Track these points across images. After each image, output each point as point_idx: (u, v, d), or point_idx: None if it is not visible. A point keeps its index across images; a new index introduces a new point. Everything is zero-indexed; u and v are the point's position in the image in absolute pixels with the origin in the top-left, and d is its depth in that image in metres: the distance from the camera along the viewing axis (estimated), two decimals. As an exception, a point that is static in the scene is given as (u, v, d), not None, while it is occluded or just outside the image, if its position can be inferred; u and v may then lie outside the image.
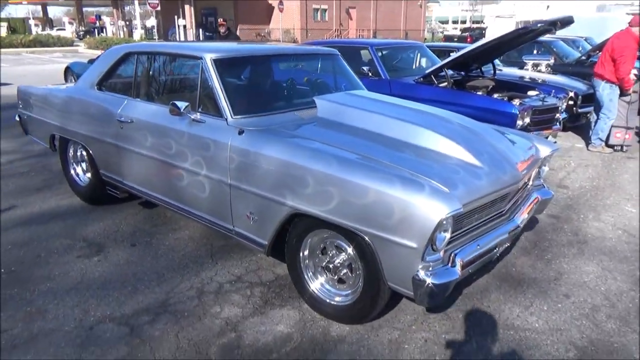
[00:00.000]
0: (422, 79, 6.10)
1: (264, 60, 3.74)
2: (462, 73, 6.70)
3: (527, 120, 5.44)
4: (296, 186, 2.57)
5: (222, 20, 10.40)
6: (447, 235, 2.30)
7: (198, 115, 3.11)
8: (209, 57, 3.13)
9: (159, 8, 28.38)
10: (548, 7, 39.99)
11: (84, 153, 4.31)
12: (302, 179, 2.55)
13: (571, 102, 7.08)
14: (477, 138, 2.95)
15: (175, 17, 33.98)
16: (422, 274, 2.25)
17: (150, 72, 3.80)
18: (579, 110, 7.27)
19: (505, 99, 5.62)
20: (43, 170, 5.44)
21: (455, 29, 56.31)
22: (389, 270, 2.37)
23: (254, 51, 3.64)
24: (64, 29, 45.01)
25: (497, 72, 7.13)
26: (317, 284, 2.82)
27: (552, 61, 9.06)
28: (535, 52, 10.32)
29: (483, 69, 6.88)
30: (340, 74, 4.07)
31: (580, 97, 7.17)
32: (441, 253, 2.33)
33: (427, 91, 5.86)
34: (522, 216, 2.98)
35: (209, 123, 3.06)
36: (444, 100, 5.64)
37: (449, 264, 2.38)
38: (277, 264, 3.38)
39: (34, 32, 36.36)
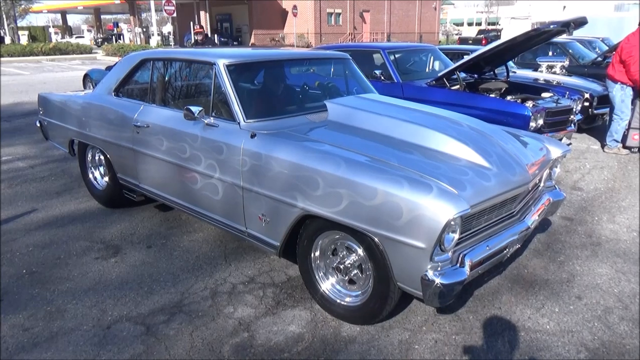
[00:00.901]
0: (434, 82, 6.11)
1: (275, 65, 3.81)
2: (475, 75, 6.70)
3: (541, 122, 5.41)
4: (306, 188, 2.62)
5: (198, 27, 9.71)
6: (456, 236, 2.32)
7: (212, 120, 3.19)
8: (221, 63, 3.22)
9: (175, 14, 28.77)
10: (565, 7, 39.55)
11: (102, 157, 4.44)
12: (312, 181, 2.59)
13: (587, 104, 7.02)
14: (486, 140, 2.97)
15: (191, 23, 34.44)
16: (430, 274, 2.27)
17: (166, 78, 3.90)
18: (595, 112, 7.20)
19: (519, 100, 5.60)
20: (63, 175, 5.59)
21: (470, 30, 55.96)
22: (398, 271, 2.40)
23: (266, 56, 3.70)
24: (83, 37, 45.99)
25: (511, 74, 7.10)
26: (327, 284, 2.86)
27: (567, 63, 8.98)
28: (550, 53, 10.24)
29: (496, 71, 6.86)
30: (352, 78, 4.13)
31: (595, 98, 7.10)
32: (450, 253, 2.36)
33: (440, 94, 5.87)
34: (533, 217, 2.99)
35: (222, 127, 3.14)
36: (456, 103, 5.65)
37: (458, 265, 2.40)
38: (289, 265, 3.43)
39: (53, 40, 37.17)
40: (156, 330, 2.72)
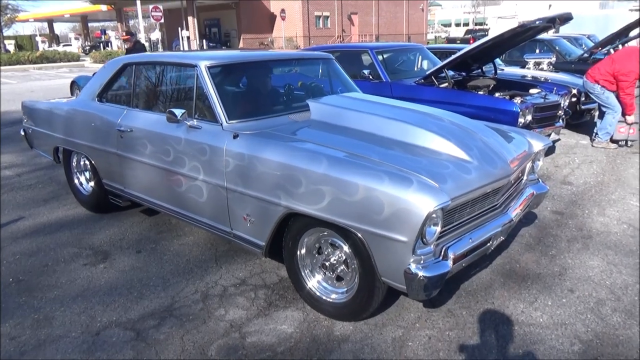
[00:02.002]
0: (422, 80, 6.12)
1: (257, 66, 3.79)
2: (463, 73, 6.72)
3: (529, 117, 5.43)
4: (289, 186, 2.62)
5: (124, 34, 8.45)
6: (438, 229, 2.33)
7: (195, 122, 3.18)
8: (203, 65, 3.22)
9: (162, 21, 28.68)
10: (550, 6, 39.93)
11: (87, 162, 4.40)
12: (294, 179, 2.60)
13: (574, 100, 7.07)
14: (467, 134, 2.99)
15: (179, 29, 34.32)
16: (413, 267, 2.28)
17: (148, 82, 3.90)
18: (583, 107, 7.25)
19: (507, 97, 5.62)
20: (50, 183, 5.52)
21: (458, 30, 56.31)
22: (382, 265, 2.40)
23: (248, 57, 3.69)
24: (70, 45, 45.64)
25: (499, 71, 7.14)
26: (314, 282, 2.86)
27: (554, 59, 9.06)
28: (537, 50, 10.31)
29: (484, 68, 6.89)
30: (335, 78, 4.16)
31: (583, 94, 7.15)
32: (432, 246, 2.37)
33: (428, 92, 5.88)
34: (516, 210, 3.00)
35: (205, 129, 3.13)
36: (445, 101, 5.66)
37: (441, 258, 2.41)
38: (280, 267, 3.40)
39: (40, 49, 36.88)
40: (146, 335, 2.68)
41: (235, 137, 2.95)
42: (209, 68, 3.22)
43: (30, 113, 4.98)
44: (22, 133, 5.16)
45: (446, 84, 6.02)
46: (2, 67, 26.39)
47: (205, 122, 3.16)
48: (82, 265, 3.50)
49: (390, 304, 2.92)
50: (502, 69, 7.85)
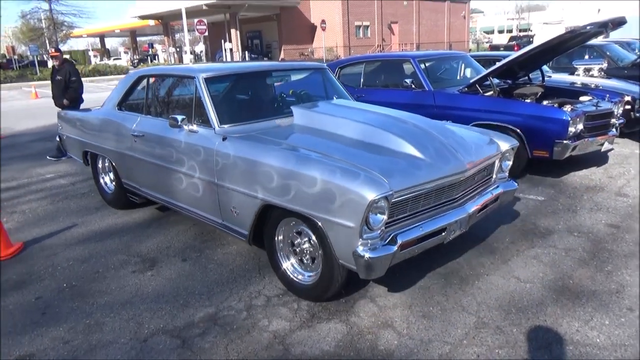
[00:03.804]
0: (466, 88, 6.00)
1: (249, 77, 4.23)
2: (509, 81, 6.54)
3: (580, 126, 5.22)
4: (265, 181, 3.02)
5: (53, 50, 7.67)
6: (384, 217, 2.64)
7: (194, 127, 3.61)
8: (201, 76, 3.67)
9: (206, 34, 29.53)
10: (599, 10, 38.48)
11: (109, 165, 4.91)
12: (268, 175, 2.99)
13: (628, 107, 6.74)
14: (426, 135, 3.29)
15: (222, 41, 35.23)
16: (360, 249, 2.60)
17: (157, 92, 4.44)
18: (637, 115, 6.90)
19: (556, 105, 5.42)
20: (101, 191, 5.72)
21: (501, 37, 55.08)
22: (338, 249, 2.73)
23: (240, 69, 4.20)
24: (120, 58, 47.64)
25: (546, 78, 6.91)
26: (288, 264, 3.21)
27: (605, 65, 8.67)
28: (586, 56, 9.92)
29: (531, 76, 6.69)
30: (330, 86, 4.56)
31: (637, 101, 6.81)
32: (378, 232, 2.66)
33: (472, 101, 5.75)
34: (477, 206, 3.25)
35: (201, 133, 3.56)
36: (490, 109, 5.53)
37: (388, 242, 2.69)
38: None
39: (93, 63, 38.69)
40: (192, 343, 2.72)
41: (224, 139, 3.37)
42: (206, 79, 3.66)
43: (64, 121, 5.60)
44: (58, 139, 5.77)
45: (491, 92, 5.87)
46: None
47: (202, 127, 3.58)
48: (131, 273, 3.61)
49: (435, 320, 2.85)
50: (550, 76, 7.59)
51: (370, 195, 2.51)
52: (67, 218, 4.84)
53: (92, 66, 32.51)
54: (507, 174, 3.76)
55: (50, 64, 40.37)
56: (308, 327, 2.83)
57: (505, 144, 3.65)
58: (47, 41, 41.12)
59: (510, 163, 3.73)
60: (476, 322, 2.82)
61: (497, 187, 3.59)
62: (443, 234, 3.00)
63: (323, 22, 36.42)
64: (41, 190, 5.93)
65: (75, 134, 5.32)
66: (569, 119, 4.99)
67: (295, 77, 4.79)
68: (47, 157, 7.58)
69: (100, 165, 5.16)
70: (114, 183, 4.96)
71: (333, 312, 2.97)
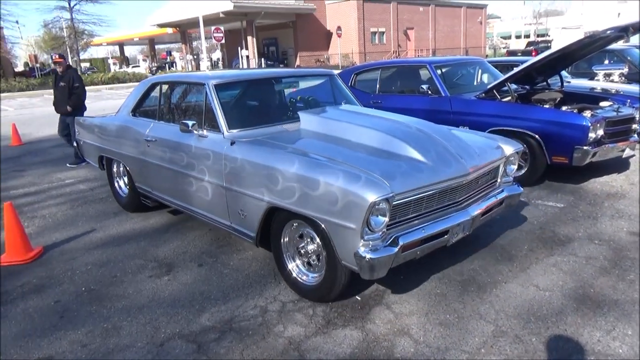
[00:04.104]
0: (484, 94, 5.94)
1: (257, 83, 4.32)
2: (527, 87, 6.47)
3: (601, 132, 5.13)
4: (271, 184, 3.09)
5: (57, 56, 7.53)
6: (385, 219, 2.69)
7: (204, 132, 3.71)
8: (211, 83, 3.76)
9: (223, 41, 29.84)
10: (619, 14, 37.92)
11: (124, 169, 5.04)
12: (273, 178, 3.07)
13: (650, 112, 6.60)
14: (429, 139, 3.33)
15: (239, 48, 35.57)
16: (362, 250, 2.66)
17: (169, 98, 4.59)
18: (660, 120, 6.74)
19: (575, 110, 5.34)
20: (119, 196, 5.80)
21: (518, 42, 54.59)
22: (340, 250, 2.79)
23: (249, 76, 4.31)
24: (139, 66, 48.40)
25: (565, 84, 6.81)
26: (293, 265, 3.28)
27: (626, 70, 8.51)
28: (606, 61, 9.76)
29: (549, 81, 6.60)
30: (338, 92, 4.63)
31: (660, 106, 6.66)
32: (379, 234, 2.71)
33: (490, 106, 5.70)
34: (481, 209, 3.28)
35: (210, 137, 3.66)
36: (508, 115, 5.47)
37: (390, 244, 2.74)
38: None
39: (112, 70, 39.39)
40: (207, 348, 2.72)
41: (232, 144, 3.46)
42: (215, 86, 3.75)
43: (81, 127, 5.75)
44: (75, 144, 5.94)
45: (509, 97, 5.81)
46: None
47: (211, 132, 3.67)
48: (148, 277, 3.64)
49: (451, 325, 2.82)
50: (569, 82, 7.49)
51: (371, 197, 2.56)
52: (86, 223, 4.91)
53: (111, 74, 33.08)
54: (512, 178, 3.78)
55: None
56: (323, 333, 2.82)
57: (509, 149, 3.67)
58: (68, 49, 42.02)
59: (515, 167, 3.75)
60: (494, 331, 2.77)
61: (502, 191, 3.62)
62: (445, 236, 3.04)
63: (339, 28, 36.56)
64: (61, 195, 6.03)
65: (91, 140, 5.48)
66: (589, 124, 4.91)
67: (305, 84, 4.88)
68: (67, 165, 7.69)
69: (115, 170, 5.30)
70: (128, 187, 5.09)
71: (348, 319, 2.95)
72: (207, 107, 3.75)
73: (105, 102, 19.58)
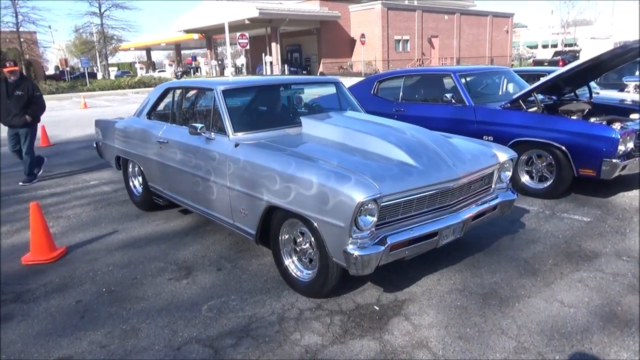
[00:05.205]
0: (509, 104, 5.84)
1: (263, 89, 4.55)
2: (554, 97, 6.34)
3: (631, 145, 4.99)
4: (269, 184, 3.25)
5: (11, 64, 6.73)
6: (373, 219, 2.82)
7: (211, 134, 3.91)
8: (219, 88, 3.98)
9: (248, 47, 30.17)
10: (651, 25, 37.00)
11: (138, 169, 5.25)
12: (272, 178, 3.23)
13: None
14: (422, 145, 3.45)
15: (263, 54, 35.90)
16: (350, 247, 2.79)
17: (181, 102, 4.81)
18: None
19: (604, 122, 5.21)
20: (142, 198, 5.87)
21: (545, 52, 53.70)
22: (331, 247, 2.92)
23: (256, 82, 4.61)
24: (165, 70, 49.19)
25: (594, 95, 6.66)
26: (290, 261, 3.43)
27: (658, 82, 8.29)
28: (637, 72, 9.51)
29: (577, 92, 6.46)
30: (343, 99, 4.80)
31: (693, 119, 6.45)
32: (367, 232, 2.83)
33: (515, 117, 5.59)
34: (472, 214, 3.37)
35: (217, 139, 3.85)
36: (534, 126, 5.36)
37: (378, 242, 2.85)
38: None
39: (139, 75, 40.17)
40: (224, 354, 2.72)
41: (236, 146, 3.65)
42: (223, 91, 3.96)
43: (99, 129, 6.01)
44: (95, 145, 6.18)
45: (535, 108, 5.70)
46: (106, 92, 28.97)
47: (218, 134, 3.87)
48: (167, 280, 3.66)
49: (471, 340, 2.75)
50: (598, 93, 7.31)
51: (360, 197, 2.69)
52: (108, 224, 4.99)
53: (138, 78, 33.72)
54: (506, 184, 3.85)
55: (100, 75, 42.19)
56: (340, 343, 2.79)
57: (504, 155, 3.75)
58: (97, 54, 43.05)
59: (509, 174, 3.84)
60: (516, 347, 2.70)
61: (496, 197, 3.70)
62: (435, 238, 3.13)
63: (362, 35, 36.60)
64: (85, 196, 6.15)
65: (109, 141, 5.71)
66: (619, 136, 4.78)
67: (313, 91, 5.14)
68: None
69: (130, 170, 5.52)
70: (142, 186, 5.28)
71: (366, 329, 2.92)
72: (215, 111, 3.96)
73: (131, 106, 19.95)
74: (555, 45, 55.91)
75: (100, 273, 3.82)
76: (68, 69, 41.79)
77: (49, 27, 56.92)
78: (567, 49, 43.07)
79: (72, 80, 35.93)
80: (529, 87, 5.80)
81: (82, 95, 24.59)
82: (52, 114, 18.03)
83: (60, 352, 2.79)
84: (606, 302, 3.15)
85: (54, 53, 57.88)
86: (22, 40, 34.15)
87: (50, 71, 52.09)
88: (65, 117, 16.48)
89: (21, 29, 34.37)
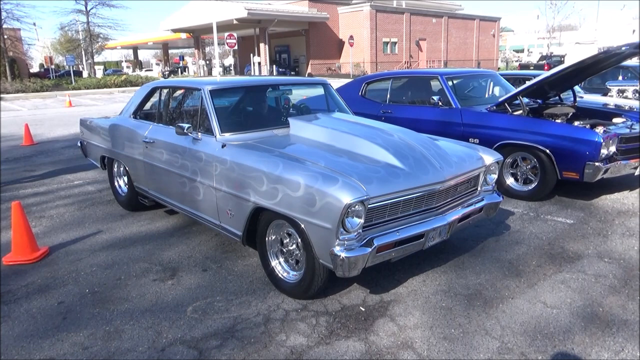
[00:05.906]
0: (495, 107, 5.91)
1: (250, 90, 4.52)
2: (539, 101, 6.42)
3: (613, 148, 5.07)
4: (256, 185, 3.25)
5: None
6: (360, 221, 2.82)
7: (198, 134, 3.89)
8: (207, 88, 3.96)
9: (236, 47, 30.06)
10: (634, 31, 37.70)
11: (123, 169, 5.23)
12: (259, 180, 3.23)
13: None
14: (409, 147, 3.46)
15: (251, 55, 35.79)
16: (337, 249, 2.80)
17: (168, 102, 4.78)
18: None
19: (588, 126, 5.29)
20: (127, 198, 5.81)
21: (530, 56, 54.34)
22: (318, 249, 2.92)
23: (243, 82, 4.53)
24: (152, 70, 48.80)
25: (578, 99, 6.75)
26: (276, 262, 3.43)
27: (640, 86, 8.43)
28: (620, 77, 9.68)
29: (562, 96, 6.55)
30: (331, 100, 4.83)
31: (674, 123, 6.57)
32: (354, 234, 2.83)
33: (501, 120, 5.65)
34: (457, 216, 3.38)
35: (204, 140, 3.83)
36: (518, 129, 5.42)
37: (364, 244, 2.86)
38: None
39: (125, 72, 39.78)
40: (209, 355, 2.70)
41: (223, 146, 3.63)
42: (211, 91, 3.94)
43: (85, 128, 5.97)
44: (79, 144, 6.15)
45: (520, 111, 5.77)
46: (92, 90, 28.63)
47: (205, 135, 3.85)
48: (152, 281, 3.63)
49: (456, 340, 2.77)
50: (582, 97, 7.42)
51: (346, 199, 2.70)
52: (92, 224, 4.93)
53: (125, 77, 33.37)
54: (492, 187, 3.88)
55: (85, 73, 41.67)
56: (326, 344, 2.79)
57: (490, 158, 3.78)
58: (83, 52, 42.50)
59: (495, 177, 3.87)
60: (500, 347, 2.72)
61: (482, 199, 3.73)
62: (421, 240, 3.15)
63: (351, 37, 36.70)
64: (69, 196, 6.07)
65: (94, 140, 5.69)
66: (601, 140, 4.86)
67: (300, 92, 5.11)
68: None
69: (115, 170, 5.50)
70: (127, 186, 5.26)
71: (352, 330, 2.92)
72: (202, 111, 3.93)
73: (117, 105, 19.76)
74: (544, 53, 56.55)
75: (83, 274, 3.77)
76: (53, 66, 41.22)
77: (34, 24, 55.85)
78: (553, 53, 43.55)
79: (57, 78, 35.44)
80: (515, 90, 5.87)
81: (67, 94, 24.25)
82: (36, 112, 17.78)
83: (41, 354, 2.74)
84: (588, 303, 3.19)
85: (39, 51, 57.15)
86: (5, 37, 33.57)
87: (35, 69, 51.33)
88: (49, 116, 16.25)
89: (5, 26, 33.78)
